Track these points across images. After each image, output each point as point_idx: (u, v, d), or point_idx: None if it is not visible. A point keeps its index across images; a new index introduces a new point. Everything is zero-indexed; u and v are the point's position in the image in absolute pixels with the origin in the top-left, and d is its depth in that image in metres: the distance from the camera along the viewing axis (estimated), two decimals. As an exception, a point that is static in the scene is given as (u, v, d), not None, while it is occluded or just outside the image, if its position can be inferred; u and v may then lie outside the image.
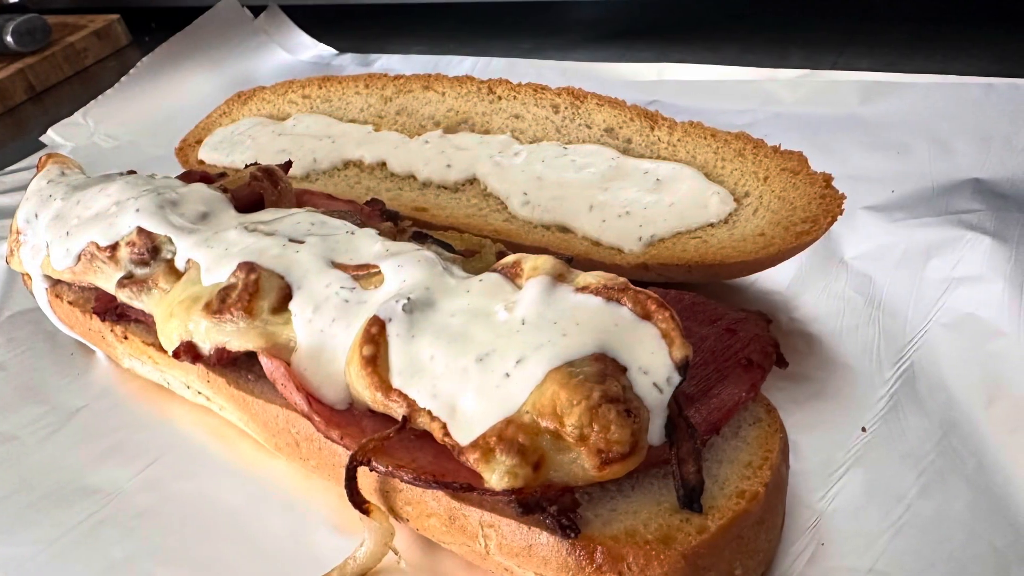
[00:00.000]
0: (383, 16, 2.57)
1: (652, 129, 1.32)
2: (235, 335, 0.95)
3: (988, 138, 1.40)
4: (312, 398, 0.89)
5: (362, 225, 1.08)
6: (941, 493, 0.91)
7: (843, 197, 1.11)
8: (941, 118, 1.46)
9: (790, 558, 0.88)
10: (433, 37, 2.38)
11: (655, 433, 0.78)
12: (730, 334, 0.92)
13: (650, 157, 1.29)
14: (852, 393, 1.04)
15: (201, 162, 1.65)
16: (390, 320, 0.86)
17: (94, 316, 1.19)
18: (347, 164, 1.49)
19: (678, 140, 1.29)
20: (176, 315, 1.00)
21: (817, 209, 1.10)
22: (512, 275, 0.90)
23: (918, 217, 1.28)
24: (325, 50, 2.34)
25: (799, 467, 0.95)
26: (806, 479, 0.95)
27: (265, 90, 1.77)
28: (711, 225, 1.17)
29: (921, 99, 1.52)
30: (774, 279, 1.22)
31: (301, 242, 1.01)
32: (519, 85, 1.47)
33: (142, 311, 1.10)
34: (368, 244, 1.00)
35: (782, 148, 1.21)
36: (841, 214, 1.09)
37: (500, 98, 1.47)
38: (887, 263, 1.21)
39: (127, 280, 1.09)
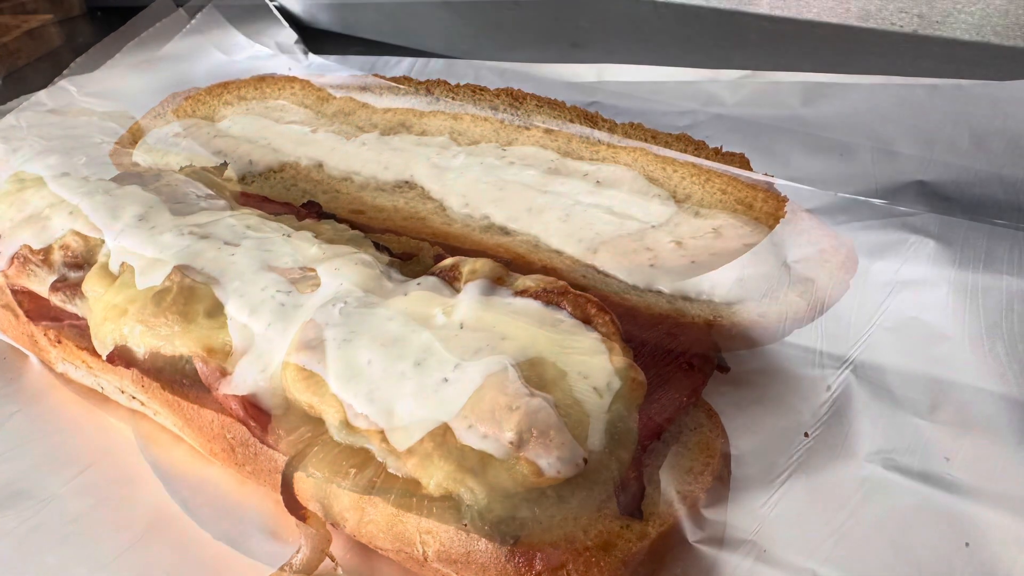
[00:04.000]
0: (320, 16, 2.56)
1: (592, 131, 1.31)
2: (170, 339, 0.94)
3: (932, 140, 1.40)
4: (248, 403, 0.88)
5: (298, 228, 1.07)
6: (884, 499, 0.91)
7: (785, 200, 1.11)
8: (884, 120, 1.46)
9: (731, 565, 0.87)
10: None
11: (595, 438, 0.77)
12: (671, 338, 0.92)
13: (590, 159, 1.28)
14: (795, 398, 1.04)
15: (136, 164, 1.63)
16: (326, 324, 0.85)
17: (27, 320, 1.17)
18: (283, 166, 1.48)
19: (619, 142, 1.28)
20: (110, 319, 0.99)
21: (759, 212, 1.10)
22: (450, 278, 0.90)
23: (861, 220, 1.28)
24: (261, 51, 2.33)
25: (741, 473, 0.95)
26: (748, 485, 0.94)
27: (200, 91, 1.75)
28: (652, 227, 1.16)
29: (864, 100, 1.52)
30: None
31: (237, 245, 1.00)
32: (457, 86, 1.46)
33: (76, 315, 1.09)
34: (304, 247, 0.99)
35: (724, 150, 1.21)
36: (783, 217, 1.09)
37: (438, 99, 1.46)
38: (830, 266, 1.20)
39: (60, 284, 1.08)
